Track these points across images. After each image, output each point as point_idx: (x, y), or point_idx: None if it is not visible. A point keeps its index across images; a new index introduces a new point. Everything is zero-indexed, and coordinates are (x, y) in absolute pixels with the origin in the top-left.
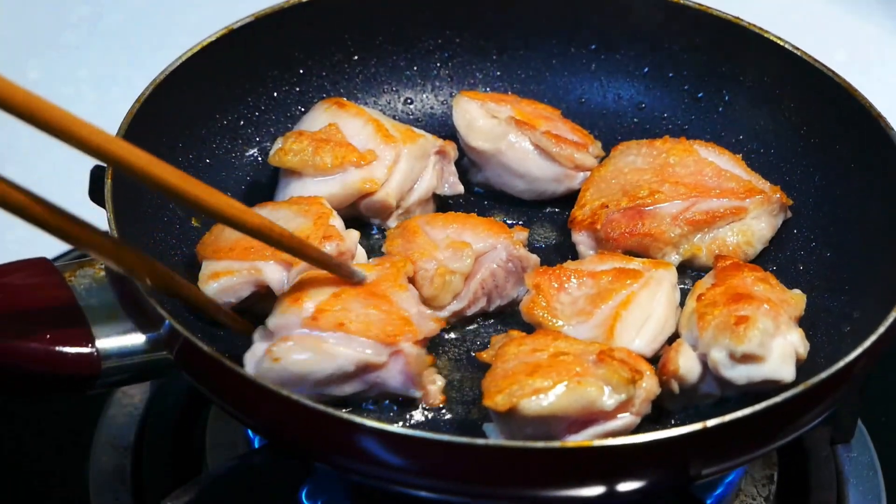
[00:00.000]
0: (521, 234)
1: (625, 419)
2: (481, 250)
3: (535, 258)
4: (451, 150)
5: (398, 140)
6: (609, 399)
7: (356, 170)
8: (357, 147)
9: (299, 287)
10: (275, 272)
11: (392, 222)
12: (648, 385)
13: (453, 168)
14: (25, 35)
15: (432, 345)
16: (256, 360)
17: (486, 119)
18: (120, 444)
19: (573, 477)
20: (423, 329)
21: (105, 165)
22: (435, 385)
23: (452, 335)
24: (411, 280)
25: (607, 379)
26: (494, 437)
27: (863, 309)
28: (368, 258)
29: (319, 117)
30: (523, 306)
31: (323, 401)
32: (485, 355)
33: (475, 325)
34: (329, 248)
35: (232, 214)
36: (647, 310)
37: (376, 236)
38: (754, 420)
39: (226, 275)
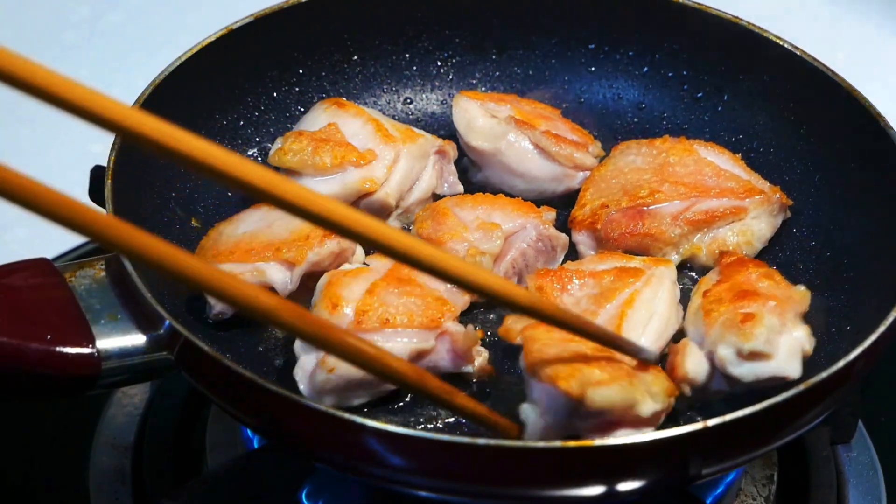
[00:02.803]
0: (550, 214)
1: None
2: (511, 230)
3: (564, 237)
4: (451, 149)
5: (398, 140)
6: (647, 407)
7: (356, 169)
8: (357, 147)
9: (330, 292)
10: (278, 273)
11: (392, 222)
12: (673, 402)
13: (453, 168)
14: (25, 35)
15: None
16: (308, 374)
17: (485, 119)
18: (120, 444)
19: (573, 477)
20: (457, 304)
21: (106, 165)
22: (481, 357)
23: None
24: None
25: (650, 385)
26: (532, 419)
27: (863, 308)
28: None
29: (319, 117)
30: None
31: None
32: (513, 334)
33: (474, 324)
34: (330, 244)
35: (266, 185)
36: (651, 308)
37: None
38: (754, 420)
39: None
